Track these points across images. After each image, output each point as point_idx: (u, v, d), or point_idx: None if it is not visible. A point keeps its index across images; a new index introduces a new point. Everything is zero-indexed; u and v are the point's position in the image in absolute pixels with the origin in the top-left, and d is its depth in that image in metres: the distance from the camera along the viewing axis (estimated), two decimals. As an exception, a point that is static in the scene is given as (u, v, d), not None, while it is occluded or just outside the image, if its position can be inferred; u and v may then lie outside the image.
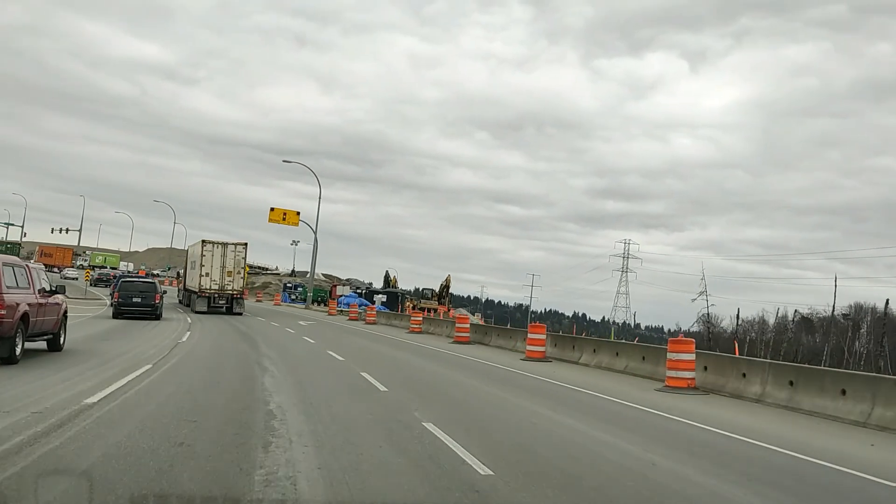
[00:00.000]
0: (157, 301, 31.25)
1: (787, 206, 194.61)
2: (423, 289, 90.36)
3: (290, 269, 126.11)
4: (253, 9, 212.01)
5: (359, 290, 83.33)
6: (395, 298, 79.34)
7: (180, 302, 50.39)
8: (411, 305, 74.62)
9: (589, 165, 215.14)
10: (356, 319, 48.08)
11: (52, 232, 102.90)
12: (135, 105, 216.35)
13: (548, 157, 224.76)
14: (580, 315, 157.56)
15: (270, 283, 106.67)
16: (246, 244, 44.06)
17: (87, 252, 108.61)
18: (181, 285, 50.41)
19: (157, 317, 31.05)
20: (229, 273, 42.46)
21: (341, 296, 75.64)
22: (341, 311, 60.00)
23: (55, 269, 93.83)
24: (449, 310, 77.66)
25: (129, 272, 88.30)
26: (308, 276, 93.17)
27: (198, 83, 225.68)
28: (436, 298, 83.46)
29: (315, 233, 64.55)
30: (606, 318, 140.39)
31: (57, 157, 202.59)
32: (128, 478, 5.46)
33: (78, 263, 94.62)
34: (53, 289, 14.84)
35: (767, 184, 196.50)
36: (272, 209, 63.29)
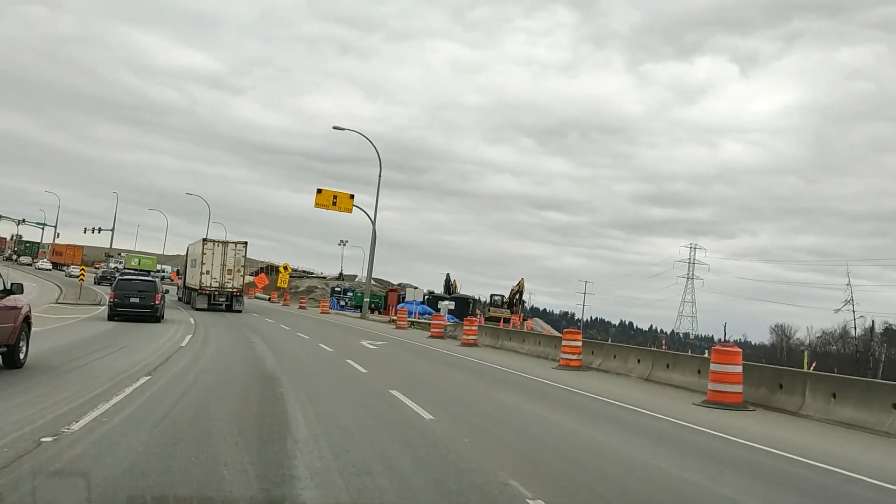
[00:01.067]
0: (157, 301, 28.68)
1: (839, 213, 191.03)
2: (493, 295, 76.48)
3: (338, 271, 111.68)
4: (298, 18, 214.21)
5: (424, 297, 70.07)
6: (465, 305, 66.17)
7: (180, 299, 50.63)
8: (482, 314, 64.37)
9: (634, 171, 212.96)
10: (440, 336, 33.73)
11: (84, 232, 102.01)
12: (183, 113, 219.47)
13: (592, 162, 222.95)
14: (627, 324, 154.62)
15: (316, 288, 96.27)
16: (246, 243, 44.11)
17: (121, 253, 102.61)
18: (181, 283, 50.52)
19: (158, 319, 28.60)
20: (229, 271, 42.57)
21: (406, 301, 62.82)
22: (414, 322, 46.34)
23: (62, 267, 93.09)
24: (524, 319, 70.23)
25: (161, 273, 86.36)
26: (362, 277, 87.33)
27: (244, 91, 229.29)
28: (506, 306, 72.25)
29: (374, 222, 52.77)
30: (654, 327, 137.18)
31: (106, 165, 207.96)
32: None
33: (112, 265, 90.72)
34: (7, 288, 12.16)
35: (819, 189, 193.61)
36: (319, 191, 50.90)
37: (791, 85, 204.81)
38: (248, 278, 61.97)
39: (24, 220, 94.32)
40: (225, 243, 43.99)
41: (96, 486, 5.55)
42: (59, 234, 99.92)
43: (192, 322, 29.77)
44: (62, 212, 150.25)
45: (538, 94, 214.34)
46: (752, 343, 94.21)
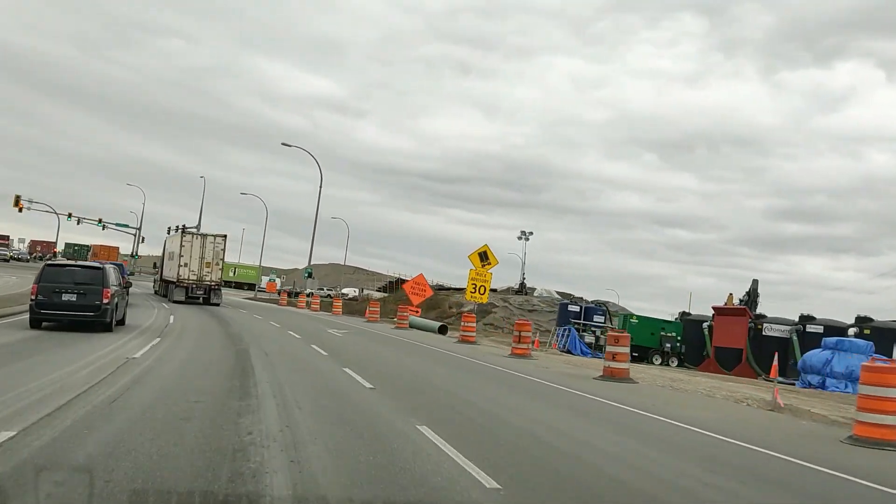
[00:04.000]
0: (105, 301, 18.90)
1: None
2: None
3: (518, 281, 77.83)
4: (418, 40, 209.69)
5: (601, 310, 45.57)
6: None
7: (156, 293, 48.83)
8: None
9: (768, 185, 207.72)
10: None
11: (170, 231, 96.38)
12: (307, 138, 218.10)
13: (720, 177, 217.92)
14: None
15: (494, 308, 59.74)
16: (225, 236, 42.93)
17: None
18: (158, 276, 48.92)
19: (107, 326, 19.20)
20: (208, 264, 41.39)
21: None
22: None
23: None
24: None
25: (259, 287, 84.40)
26: (541, 291, 67.06)
27: (365, 115, 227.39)
28: None
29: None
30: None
31: (235, 189, 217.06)
32: None
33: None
34: None
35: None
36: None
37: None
38: (225, 272, 56.83)
39: (103, 223, 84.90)
40: (204, 236, 42.69)
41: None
42: (143, 238, 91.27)
43: (166, 329, 21.79)
44: (166, 219, 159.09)
45: (663, 107, 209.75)
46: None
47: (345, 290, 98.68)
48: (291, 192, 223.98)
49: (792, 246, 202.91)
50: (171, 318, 27.33)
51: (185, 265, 40.59)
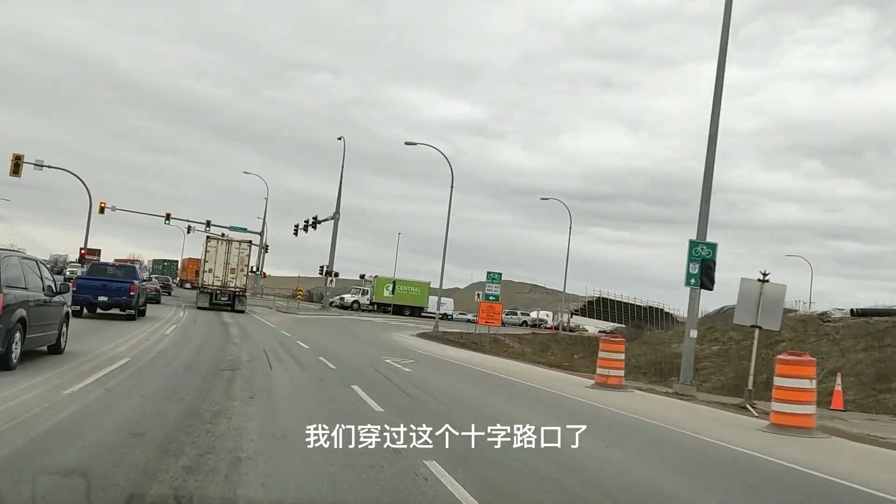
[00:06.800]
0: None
1: None
2: None
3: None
4: (557, 57, 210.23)
5: None
6: None
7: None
8: None
9: None
10: None
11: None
12: (447, 163, 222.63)
13: (894, 183, 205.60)
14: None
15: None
16: (251, 242, 43.41)
17: (373, 276, 75.28)
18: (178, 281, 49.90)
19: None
20: (233, 270, 41.68)
21: None
22: None
23: (186, 284, 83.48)
24: None
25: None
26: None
27: (504, 136, 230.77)
28: None
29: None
30: None
31: (377, 215, 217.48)
32: None
33: (361, 288, 75.05)
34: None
35: None
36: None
37: None
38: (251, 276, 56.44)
39: (225, 235, 79.85)
40: (229, 241, 42.86)
41: None
42: (267, 246, 78.74)
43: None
44: (342, 260, 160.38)
45: (825, 110, 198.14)
46: None
47: (540, 315, 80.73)
48: (430, 215, 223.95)
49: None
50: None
51: (210, 271, 40.83)
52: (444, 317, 65.73)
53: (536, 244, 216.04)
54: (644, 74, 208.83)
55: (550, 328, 72.63)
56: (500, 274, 36.69)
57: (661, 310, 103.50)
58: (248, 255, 43.04)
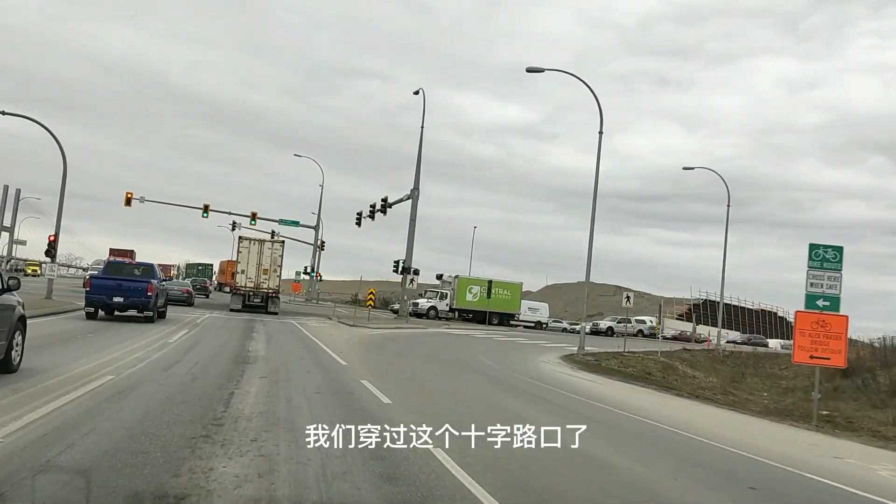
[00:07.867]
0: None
1: None
2: None
3: None
4: (610, 56, 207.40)
5: None
6: None
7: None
8: None
9: None
10: None
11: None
12: (499, 166, 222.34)
13: None
14: None
15: None
16: (283, 241, 42.95)
17: (452, 276, 63.48)
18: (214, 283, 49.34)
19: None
20: (265, 271, 40.91)
21: None
22: None
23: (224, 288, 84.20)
24: None
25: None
26: None
27: (556, 137, 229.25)
28: None
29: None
30: None
31: (433, 221, 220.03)
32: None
33: (439, 291, 63.09)
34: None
35: None
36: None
37: None
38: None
39: (274, 233, 73.74)
40: (261, 241, 42.26)
41: None
42: (323, 242, 74.63)
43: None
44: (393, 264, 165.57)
45: (892, 103, 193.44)
46: None
47: (643, 318, 70.52)
48: (480, 219, 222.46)
49: None
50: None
51: (243, 272, 40.05)
52: (538, 325, 60.66)
53: (582, 245, 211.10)
54: (701, 72, 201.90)
55: (678, 338, 62.66)
56: (841, 248, 18.38)
57: (775, 313, 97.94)
58: (281, 256, 42.06)
